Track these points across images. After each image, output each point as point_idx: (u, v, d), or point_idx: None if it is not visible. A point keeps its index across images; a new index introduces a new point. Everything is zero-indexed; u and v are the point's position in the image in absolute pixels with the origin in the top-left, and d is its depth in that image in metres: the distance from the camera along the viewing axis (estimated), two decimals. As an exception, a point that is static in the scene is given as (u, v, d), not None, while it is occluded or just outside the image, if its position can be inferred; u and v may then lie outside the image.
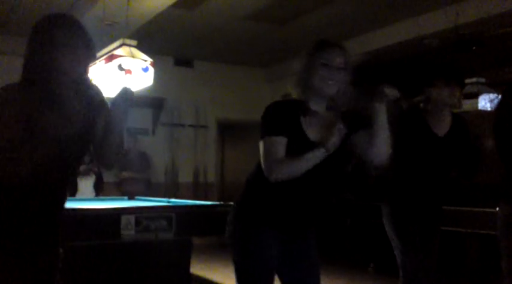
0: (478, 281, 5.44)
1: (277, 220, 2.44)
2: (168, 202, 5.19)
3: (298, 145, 2.31)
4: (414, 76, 3.57)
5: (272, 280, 2.46)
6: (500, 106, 3.28)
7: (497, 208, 3.22)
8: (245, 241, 2.48)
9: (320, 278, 2.56)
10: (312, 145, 2.29)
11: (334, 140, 2.23)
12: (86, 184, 7.20)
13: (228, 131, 10.26)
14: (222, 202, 4.77)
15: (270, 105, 2.42)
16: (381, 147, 2.36)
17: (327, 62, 2.37)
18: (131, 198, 5.82)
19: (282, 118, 2.36)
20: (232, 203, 4.33)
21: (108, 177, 7.78)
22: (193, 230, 4.26)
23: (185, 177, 9.73)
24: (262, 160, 2.33)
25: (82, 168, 6.92)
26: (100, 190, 7.39)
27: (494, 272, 3.48)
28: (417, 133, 3.38)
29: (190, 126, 9.82)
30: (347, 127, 2.29)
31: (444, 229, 4.64)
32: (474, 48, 7.41)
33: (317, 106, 2.42)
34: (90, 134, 2.27)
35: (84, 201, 5.23)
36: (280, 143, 2.31)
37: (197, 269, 5.43)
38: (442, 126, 3.41)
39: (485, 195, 5.10)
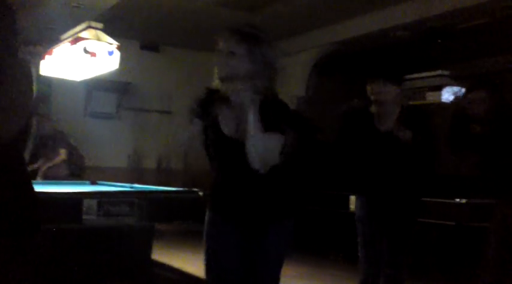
0: (441, 270, 5.54)
1: (222, 208, 2.47)
2: (131, 187, 5.16)
3: (212, 134, 2.39)
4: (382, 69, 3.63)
5: (224, 271, 2.44)
6: None
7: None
8: (204, 228, 2.52)
9: (274, 277, 2.50)
10: (222, 135, 2.37)
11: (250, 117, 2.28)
12: None
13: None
14: (185, 189, 4.75)
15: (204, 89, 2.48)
16: (249, 152, 2.31)
17: (218, 48, 2.44)
18: (93, 182, 5.76)
19: (202, 103, 2.43)
20: (196, 189, 4.35)
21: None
22: (156, 216, 4.24)
23: (149, 163, 9.66)
24: None
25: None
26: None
27: (456, 261, 3.56)
28: (361, 130, 3.49)
29: (155, 111, 9.74)
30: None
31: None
32: (439, 41, 7.51)
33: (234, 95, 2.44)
34: None
35: (45, 184, 5.15)
36: (195, 124, 2.40)
37: (159, 255, 5.40)
38: (387, 122, 3.46)
39: (446, 186, 5.19)
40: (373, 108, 3.49)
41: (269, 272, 2.48)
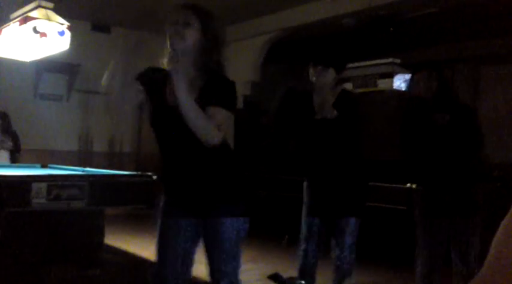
0: (393, 254, 5.66)
1: (168, 190, 2.52)
2: (83, 171, 5.09)
3: (160, 111, 2.42)
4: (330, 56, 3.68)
5: (169, 253, 2.47)
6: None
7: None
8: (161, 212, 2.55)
9: (224, 260, 2.47)
10: (171, 110, 2.34)
11: (176, 83, 2.28)
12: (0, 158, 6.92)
13: (146, 100, 10.11)
14: (137, 172, 4.72)
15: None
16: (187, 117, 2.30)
17: (171, 20, 2.45)
18: (44, 165, 5.66)
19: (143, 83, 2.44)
20: (149, 173, 4.32)
21: (24, 144, 7.54)
22: (107, 200, 4.20)
23: (100, 146, 9.54)
24: None
25: None
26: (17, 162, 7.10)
27: (408, 245, 3.66)
28: (302, 117, 3.56)
29: (106, 93, 9.59)
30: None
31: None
32: (391, 29, 7.62)
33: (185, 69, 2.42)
34: None
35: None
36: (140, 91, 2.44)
37: (111, 239, 5.35)
38: (325, 109, 3.53)
39: (391, 171, 5.29)
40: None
41: (220, 260, 2.46)
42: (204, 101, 2.32)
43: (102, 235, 4.49)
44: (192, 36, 2.41)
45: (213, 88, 2.38)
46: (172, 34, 2.42)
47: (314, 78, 3.54)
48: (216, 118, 2.29)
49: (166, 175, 2.51)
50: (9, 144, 6.92)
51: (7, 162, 6.84)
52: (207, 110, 2.29)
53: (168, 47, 2.45)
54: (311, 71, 3.55)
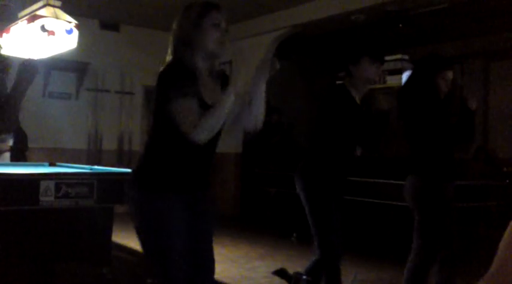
0: (395, 249, 5.65)
1: (180, 183, 2.41)
2: (91, 169, 5.09)
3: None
4: (341, 52, 3.63)
5: (185, 244, 2.42)
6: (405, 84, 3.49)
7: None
8: (154, 208, 2.39)
9: (212, 244, 2.55)
10: (206, 106, 2.31)
11: (240, 84, 2.32)
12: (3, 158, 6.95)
13: (155, 98, 10.11)
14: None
15: (168, 69, 2.35)
16: (254, 113, 2.42)
17: (219, 23, 2.39)
18: (52, 164, 5.67)
19: (186, 79, 2.29)
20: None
21: (33, 143, 7.58)
22: (116, 198, 4.19)
23: (109, 144, 9.56)
24: (180, 125, 2.23)
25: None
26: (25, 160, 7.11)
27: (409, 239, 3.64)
28: (346, 107, 3.44)
29: (116, 92, 9.62)
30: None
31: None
32: (400, 25, 7.60)
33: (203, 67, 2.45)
34: None
35: (1, 165, 5.05)
36: (194, 103, 2.25)
37: (119, 237, 5.37)
38: (361, 101, 3.51)
39: (394, 168, 5.27)
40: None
41: (211, 238, 2.55)
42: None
43: (110, 232, 4.48)
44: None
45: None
46: (222, 43, 2.40)
47: (369, 73, 3.44)
48: None
49: (185, 172, 2.43)
50: (8, 145, 6.91)
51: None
52: None
53: (210, 47, 2.39)
54: (367, 65, 3.42)
